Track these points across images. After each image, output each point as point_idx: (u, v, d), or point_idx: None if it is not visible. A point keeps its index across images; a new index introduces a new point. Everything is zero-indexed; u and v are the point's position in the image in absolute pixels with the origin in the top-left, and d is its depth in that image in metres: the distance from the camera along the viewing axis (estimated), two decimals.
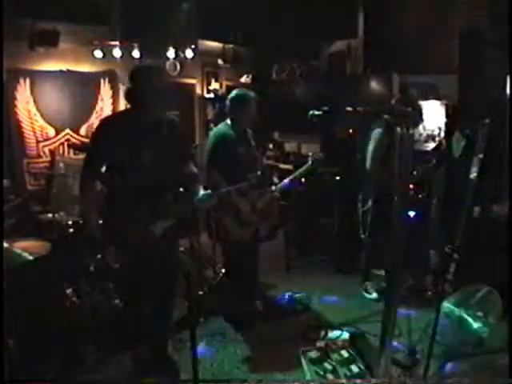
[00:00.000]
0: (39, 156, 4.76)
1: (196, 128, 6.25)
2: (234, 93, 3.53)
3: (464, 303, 3.23)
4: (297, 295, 4.08)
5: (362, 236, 4.11)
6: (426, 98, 5.25)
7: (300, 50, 6.30)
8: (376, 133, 3.86)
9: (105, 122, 2.70)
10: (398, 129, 1.96)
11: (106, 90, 5.25)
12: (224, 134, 3.45)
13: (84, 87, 5.04)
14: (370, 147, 3.88)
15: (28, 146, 4.68)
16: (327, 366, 2.97)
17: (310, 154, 3.74)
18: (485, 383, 2.77)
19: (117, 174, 2.57)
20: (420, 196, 4.30)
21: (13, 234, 3.14)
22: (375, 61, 5.85)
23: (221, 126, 3.56)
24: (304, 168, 3.77)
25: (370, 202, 3.99)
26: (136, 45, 5.16)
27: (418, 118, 3.89)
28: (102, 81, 5.21)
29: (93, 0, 4.82)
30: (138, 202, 2.56)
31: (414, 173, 3.97)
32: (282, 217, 5.03)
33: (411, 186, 4.12)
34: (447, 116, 5.09)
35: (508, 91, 4.50)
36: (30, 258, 3.01)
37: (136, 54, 5.22)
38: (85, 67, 5.02)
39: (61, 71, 4.79)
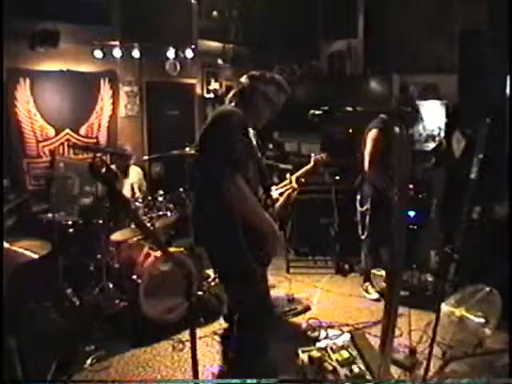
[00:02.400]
0: (39, 156, 4.76)
1: (196, 128, 6.25)
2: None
3: (464, 303, 3.23)
4: (297, 295, 4.08)
5: (362, 236, 4.11)
6: (426, 98, 5.26)
7: (300, 50, 6.30)
8: (373, 133, 3.86)
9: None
10: (397, 129, 1.96)
11: (106, 89, 5.25)
12: None
13: (84, 87, 5.04)
14: (367, 147, 3.88)
15: (28, 146, 4.68)
16: (327, 366, 2.97)
17: (313, 154, 3.72)
18: (485, 383, 2.77)
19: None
20: (420, 196, 4.31)
21: (13, 234, 3.14)
22: (375, 61, 5.85)
23: None
24: (306, 169, 3.76)
25: (368, 202, 3.99)
26: (136, 45, 5.16)
27: (416, 117, 3.90)
28: (101, 81, 5.20)
29: (93, 0, 4.82)
30: None
31: (414, 173, 3.98)
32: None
33: (411, 186, 4.12)
34: (447, 116, 5.09)
35: (508, 91, 4.50)
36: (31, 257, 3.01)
37: (136, 53, 5.22)
38: (85, 67, 5.02)
39: (61, 71, 4.79)
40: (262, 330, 2.52)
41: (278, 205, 2.71)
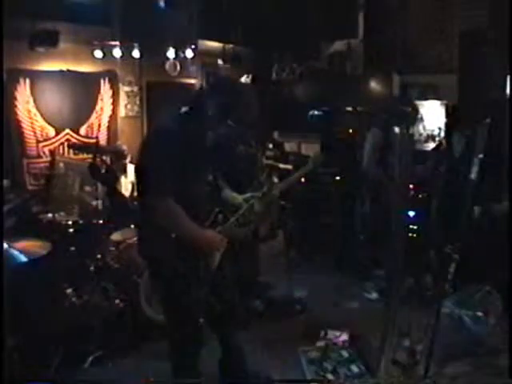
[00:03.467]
0: (39, 156, 4.76)
1: None
2: None
3: (464, 303, 3.23)
4: (297, 295, 4.08)
5: (362, 236, 4.12)
6: (426, 98, 5.26)
7: (300, 49, 6.30)
8: (372, 133, 3.87)
9: None
10: (397, 128, 1.96)
11: (106, 89, 5.25)
12: None
13: (84, 87, 5.04)
14: (367, 147, 3.89)
15: (28, 145, 4.68)
16: (327, 365, 2.97)
17: (311, 155, 3.73)
18: (485, 383, 2.77)
19: None
20: (420, 196, 4.30)
21: (13, 234, 3.14)
22: (375, 61, 5.85)
23: None
24: (304, 169, 3.75)
25: (368, 202, 3.99)
26: (136, 45, 5.16)
27: (415, 117, 3.90)
28: (101, 81, 5.20)
29: (93, 0, 4.81)
30: None
31: (414, 173, 3.98)
32: (282, 217, 5.04)
33: (411, 186, 4.12)
34: (447, 116, 5.09)
35: (508, 91, 4.50)
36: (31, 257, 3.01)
37: (136, 53, 5.22)
38: (85, 67, 5.02)
39: (61, 71, 4.79)
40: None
41: (240, 212, 2.64)
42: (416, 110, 3.93)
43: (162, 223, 2.19)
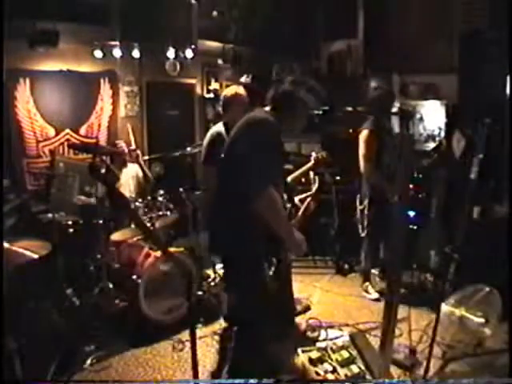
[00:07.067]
0: (39, 156, 4.75)
1: (196, 128, 6.25)
2: (226, 90, 3.53)
3: (464, 303, 3.23)
4: (297, 295, 4.07)
5: (362, 234, 4.11)
6: (426, 98, 5.26)
7: (300, 49, 6.31)
8: (364, 134, 3.89)
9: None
10: (398, 129, 1.96)
11: (106, 89, 5.25)
12: (219, 133, 3.43)
13: (84, 87, 5.04)
14: (360, 149, 3.90)
15: (28, 146, 4.67)
16: (327, 366, 2.97)
17: (313, 153, 3.70)
18: (485, 383, 2.77)
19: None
20: (420, 196, 4.31)
21: (13, 234, 3.14)
22: (375, 61, 5.86)
23: (217, 125, 3.55)
24: (306, 167, 3.74)
25: (366, 202, 3.99)
26: (136, 45, 5.16)
27: (392, 101, 3.95)
28: (102, 81, 5.20)
29: (93, 0, 4.81)
30: None
31: (415, 173, 3.98)
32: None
33: (411, 186, 4.12)
34: (447, 116, 5.09)
35: (508, 91, 4.50)
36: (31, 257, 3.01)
37: (136, 53, 5.22)
38: (85, 67, 5.02)
39: (61, 71, 4.79)
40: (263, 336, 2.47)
41: (299, 213, 2.70)
42: (392, 95, 3.99)
43: (265, 213, 2.14)
